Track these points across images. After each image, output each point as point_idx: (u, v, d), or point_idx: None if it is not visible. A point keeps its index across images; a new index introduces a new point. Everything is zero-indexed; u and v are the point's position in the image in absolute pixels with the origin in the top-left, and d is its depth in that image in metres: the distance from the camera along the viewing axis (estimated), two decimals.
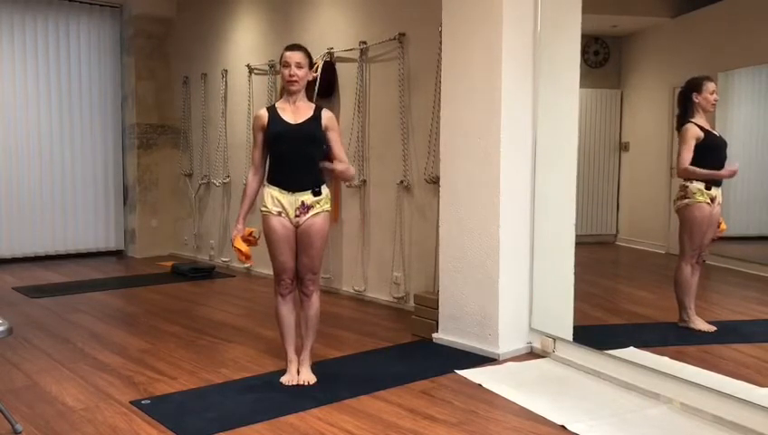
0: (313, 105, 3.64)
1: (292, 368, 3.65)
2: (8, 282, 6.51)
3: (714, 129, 4.26)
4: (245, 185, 3.65)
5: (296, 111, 3.56)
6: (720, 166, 4.24)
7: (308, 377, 3.63)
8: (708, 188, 4.21)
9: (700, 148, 4.22)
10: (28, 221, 7.70)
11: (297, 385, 3.57)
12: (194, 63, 7.86)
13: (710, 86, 4.18)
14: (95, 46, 8.08)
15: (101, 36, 8.13)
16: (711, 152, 4.22)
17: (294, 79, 3.50)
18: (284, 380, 3.61)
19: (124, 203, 8.33)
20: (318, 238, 3.56)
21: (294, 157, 3.51)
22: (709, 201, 4.23)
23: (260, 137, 3.56)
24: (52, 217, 7.86)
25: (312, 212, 3.54)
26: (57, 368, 3.87)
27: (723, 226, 4.32)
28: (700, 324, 4.25)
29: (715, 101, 4.20)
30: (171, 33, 8.22)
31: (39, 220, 7.77)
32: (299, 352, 3.71)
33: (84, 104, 8.02)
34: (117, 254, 8.30)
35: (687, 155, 4.23)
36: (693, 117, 4.23)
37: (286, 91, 3.57)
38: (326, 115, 3.60)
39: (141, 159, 8.11)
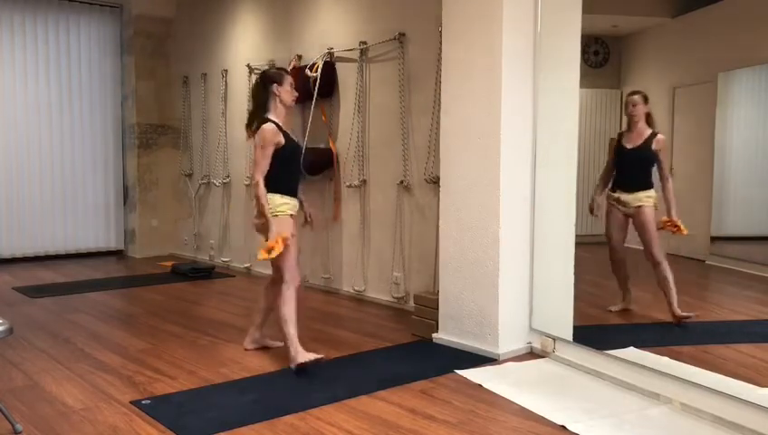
0: None
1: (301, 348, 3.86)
2: (8, 282, 6.51)
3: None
4: (262, 191, 3.83)
5: (289, 129, 4.07)
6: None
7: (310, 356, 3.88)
8: (614, 191, 4.65)
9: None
10: (28, 221, 7.71)
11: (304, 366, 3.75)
12: (194, 63, 7.86)
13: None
14: (95, 46, 8.08)
15: (101, 36, 8.13)
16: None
17: (297, 98, 4.13)
18: (306, 359, 3.76)
19: (124, 203, 8.33)
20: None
21: (299, 170, 4.15)
22: (613, 202, 4.63)
23: (272, 150, 3.85)
24: (52, 217, 7.86)
25: None
26: (57, 368, 3.87)
27: (680, 229, 4.45)
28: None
29: (631, 111, 4.56)
30: (171, 34, 8.22)
31: (39, 220, 7.77)
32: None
33: (84, 104, 8.02)
34: (117, 254, 8.30)
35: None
36: None
37: (286, 108, 4.01)
38: None
39: (141, 159, 8.11)
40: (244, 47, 7.07)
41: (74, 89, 7.94)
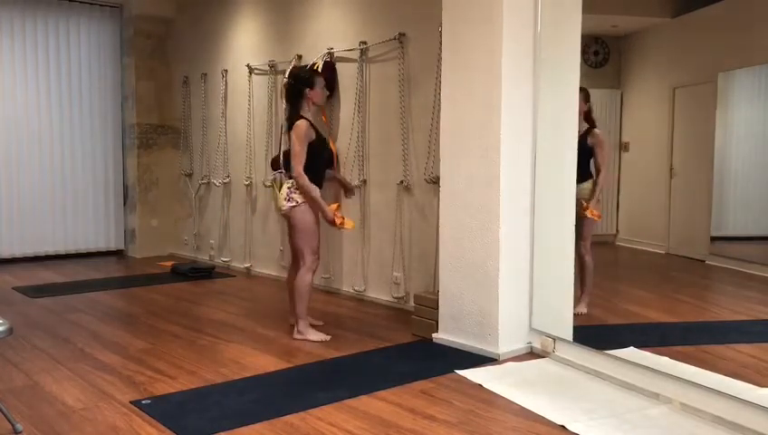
0: None
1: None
2: (8, 282, 6.51)
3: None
4: (307, 182, 4.27)
5: (318, 125, 4.49)
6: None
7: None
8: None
9: None
10: (28, 221, 7.70)
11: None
12: (194, 63, 7.86)
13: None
14: (95, 46, 8.08)
15: (101, 36, 8.12)
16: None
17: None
18: (321, 338, 4.38)
19: (124, 203, 8.33)
20: None
21: (326, 163, 4.60)
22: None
23: (307, 144, 4.29)
24: (52, 217, 7.86)
25: None
26: (57, 368, 3.87)
27: (588, 214, 4.75)
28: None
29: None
30: (171, 34, 8.22)
31: (39, 220, 7.76)
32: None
33: (84, 104, 8.02)
34: (117, 254, 8.30)
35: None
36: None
37: (318, 109, 4.63)
38: None
39: (141, 159, 8.11)
40: (245, 47, 7.07)
41: (74, 89, 7.94)
